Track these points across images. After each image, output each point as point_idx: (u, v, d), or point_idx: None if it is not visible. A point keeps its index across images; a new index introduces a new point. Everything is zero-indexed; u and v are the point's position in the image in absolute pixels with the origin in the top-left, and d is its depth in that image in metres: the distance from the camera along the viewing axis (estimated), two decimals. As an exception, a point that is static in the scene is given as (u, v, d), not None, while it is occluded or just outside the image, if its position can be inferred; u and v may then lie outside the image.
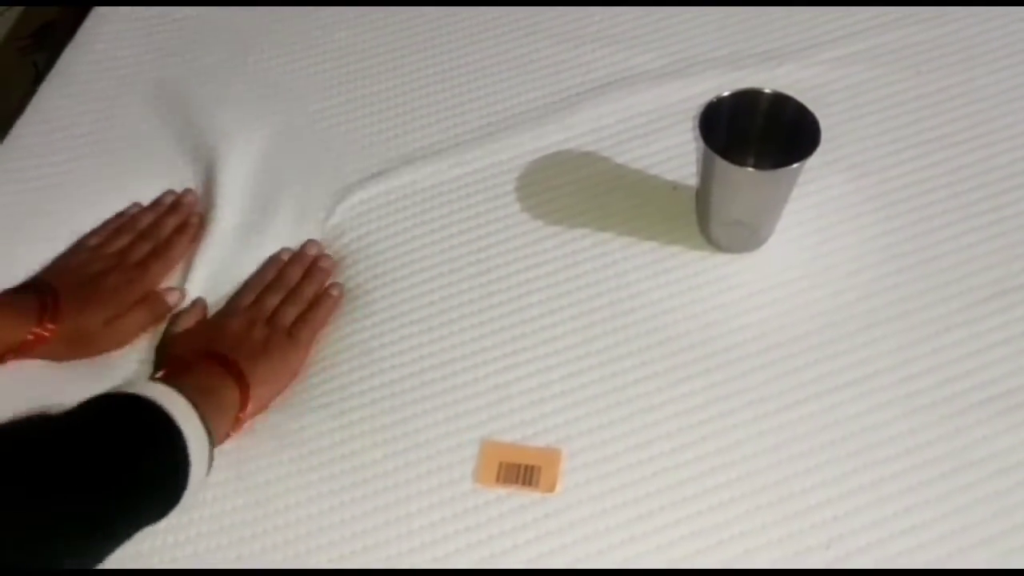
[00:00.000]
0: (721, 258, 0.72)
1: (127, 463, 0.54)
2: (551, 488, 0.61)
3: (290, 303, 0.70)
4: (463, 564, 0.59)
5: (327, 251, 0.75)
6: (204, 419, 0.58)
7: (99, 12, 0.92)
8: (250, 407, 0.63)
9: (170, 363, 0.66)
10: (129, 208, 0.77)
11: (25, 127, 0.83)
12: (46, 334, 0.65)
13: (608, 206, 0.76)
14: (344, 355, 0.69)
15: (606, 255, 0.73)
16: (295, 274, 0.72)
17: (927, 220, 0.74)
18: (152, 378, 0.63)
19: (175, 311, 0.71)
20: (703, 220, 0.73)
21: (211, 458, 0.59)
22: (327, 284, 0.72)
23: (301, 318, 0.69)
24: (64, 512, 0.51)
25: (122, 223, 0.76)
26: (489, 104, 0.83)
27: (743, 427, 0.64)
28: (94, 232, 0.75)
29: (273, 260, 0.74)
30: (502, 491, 0.61)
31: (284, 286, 0.71)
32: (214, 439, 0.59)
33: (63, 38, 0.92)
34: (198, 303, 0.72)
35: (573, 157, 0.79)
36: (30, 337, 0.65)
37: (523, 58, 0.86)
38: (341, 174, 0.79)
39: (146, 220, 0.75)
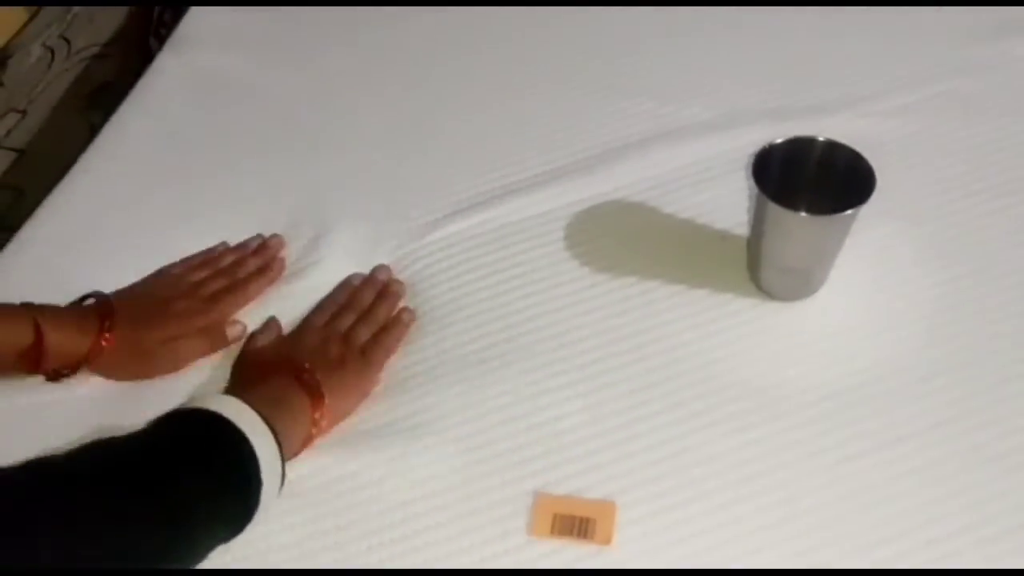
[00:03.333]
0: (773, 306, 0.72)
1: (201, 482, 0.54)
2: (607, 540, 0.60)
3: (363, 323, 0.71)
4: (518, 618, 0.58)
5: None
6: (276, 433, 0.58)
7: (155, 68, 0.95)
8: (327, 421, 0.64)
9: (244, 374, 0.67)
10: (217, 246, 0.79)
11: (75, 179, 0.85)
12: (103, 343, 0.67)
13: (656, 255, 0.75)
14: (395, 402, 0.68)
15: (654, 303, 0.73)
16: (368, 297, 0.73)
17: (984, 269, 0.72)
18: (225, 390, 0.65)
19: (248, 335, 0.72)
20: (754, 268, 0.72)
21: (283, 474, 0.59)
22: (398, 308, 0.73)
23: (374, 339, 0.70)
24: (139, 530, 0.51)
25: (205, 259, 0.77)
26: (539, 155, 0.84)
27: (803, 479, 0.62)
28: (176, 263, 0.77)
29: (345, 284, 0.75)
30: (557, 543, 0.60)
31: (358, 307, 0.72)
32: (285, 455, 0.59)
33: (118, 99, 0.95)
34: (272, 322, 0.73)
35: (621, 207, 0.79)
36: (90, 348, 0.67)
37: (573, 111, 0.87)
38: (390, 224, 0.80)
39: (229, 259, 0.77)
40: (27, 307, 0.66)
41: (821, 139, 0.69)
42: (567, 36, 0.94)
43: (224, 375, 0.70)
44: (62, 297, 0.72)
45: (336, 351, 0.68)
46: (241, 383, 0.66)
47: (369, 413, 0.68)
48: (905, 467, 0.62)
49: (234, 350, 0.72)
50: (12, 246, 0.80)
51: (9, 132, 1.18)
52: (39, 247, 0.80)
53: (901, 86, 0.85)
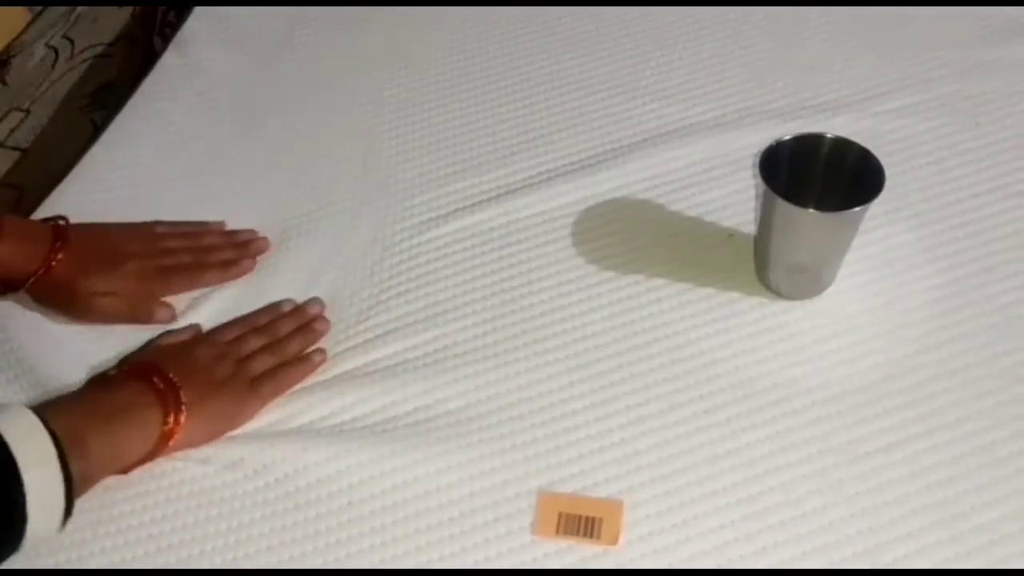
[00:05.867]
0: (781, 305, 0.71)
1: None
2: (614, 540, 0.59)
3: (268, 352, 0.68)
4: (523, 619, 0.57)
5: (328, 315, 0.72)
6: (76, 457, 0.54)
7: (159, 68, 0.94)
8: (178, 438, 0.62)
9: (124, 365, 0.66)
10: (212, 223, 0.79)
11: (79, 176, 0.84)
12: (51, 266, 0.68)
13: (662, 253, 0.75)
14: (397, 397, 0.67)
15: (661, 301, 0.72)
16: (287, 327, 0.70)
17: (991, 269, 0.72)
18: (88, 381, 0.65)
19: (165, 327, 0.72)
20: (762, 266, 0.72)
21: (68, 507, 0.54)
22: (313, 347, 0.70)
23: (271, 372, 0.67)
24: None
25: (189, 231, 0.77)
26: (543, 153, 0.83)
27: (813, 478, 0.61)
28: (163, 223, 0.77)
29: (272, 307, 0.72)
30: (562, 543, 0.59)
31: (270, 334, 0.69)
32: (107, 470, 0.59)
33: (121, 98, 0.94)
34: (192, 327, 0.71)
35: (626, 205, 0.79)
36: (35, 268, 0.68)
37: (577, 110, 0.86)
38: (394, 219, 0.79)
39: (209, 240, 0.76)
40: None
41: (830, 136, 0.68)
42: (574, 36, 0.93)
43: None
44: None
45: (223, 373, 0.65)
46: (105, 375, 0.65)
47: (370, 408, 0.67)
48: (915, 467, 0.62)
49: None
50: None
51: (12, 131, 1.18)
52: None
53: (908, 86, 0.84)
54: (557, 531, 0.59)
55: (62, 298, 0.70)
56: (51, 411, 0.56)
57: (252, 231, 0.78)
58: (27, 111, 1.20)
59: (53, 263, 0.68)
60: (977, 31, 0.88)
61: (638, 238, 0.76)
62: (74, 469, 0.54)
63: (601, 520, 0.59)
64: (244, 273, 0.75)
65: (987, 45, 0.87)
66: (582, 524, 0.59)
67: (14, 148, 1.17)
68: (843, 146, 0.68)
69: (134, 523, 0.62)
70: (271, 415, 0.67)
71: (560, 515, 0.60)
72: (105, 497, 0.62)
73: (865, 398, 0.65)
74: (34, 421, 0.54)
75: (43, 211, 0.81)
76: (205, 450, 0.64)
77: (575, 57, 0.91)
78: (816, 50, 0.89)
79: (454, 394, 0.67)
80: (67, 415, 0.57)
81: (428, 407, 0.67)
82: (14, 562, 0.58)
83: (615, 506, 0.60)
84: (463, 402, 0.67)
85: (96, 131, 0.93)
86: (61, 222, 0.72)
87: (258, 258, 0.77)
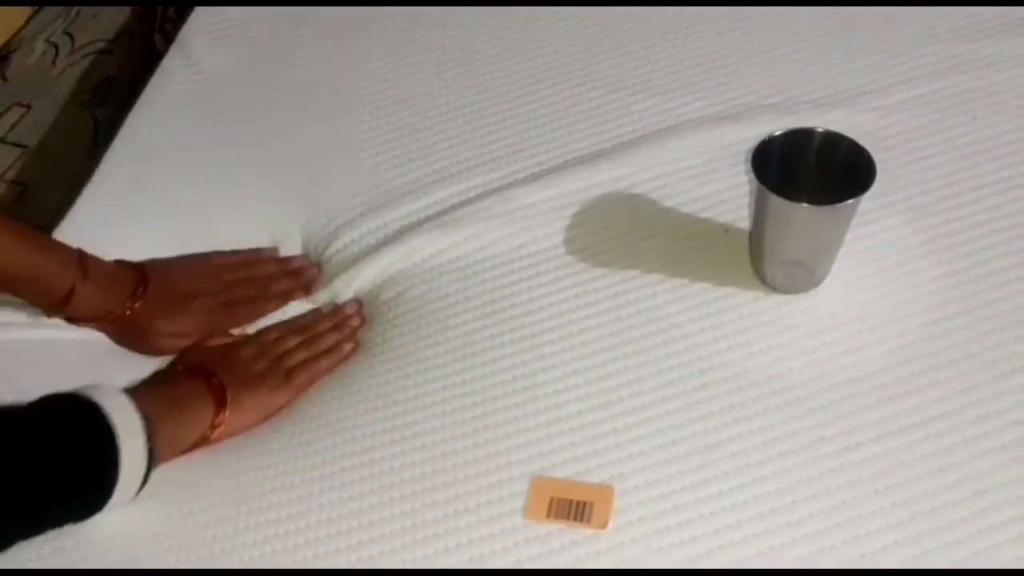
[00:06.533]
0: (776, 299, 0.71)
1: (56, 465, 0.56)
2: (603, 524, 0.59)
3: (303, 347, 0.72)
4: (513, 602, 0.57)
5: (364, 310, 0.76)
6: (154, 436, 0.59)
7: (162, 71, 0.94)
8: (221, 430, 0.66)
9: (179, 361, 0.72)
10: (266, 249, 0.81)
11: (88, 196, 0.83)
12: (125, 313, 0.71)
13: (659, 247, 0.75)
14: (395, 387, 0.68)
15: (657, 295, 0.72)
16: (323, 325, 0.75)
17: (986, 263, 0.72)
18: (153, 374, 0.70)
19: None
20: (757, 260, 0.72)
21: (146, 477, 0.60)
22: (345, 337, 0.74)
23: (305, 364, 0.71)
24: None
25: (247, 259, 0.79)
26: (542, 149, 0.83)
27: (803, 468, 0.61)
28: (219, 254, 0.79)
29: (312, 311, 0.77)
30: (553, 527, 0.59)
31: (308, 332, 0.74)
32: (165, 455, 0.62)
33: (122, 94, 0.95)
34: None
35: (623, 199, 0.79)
36: (110, 311, 0.70)
37: (574, 106, 0.87)
38: (397, 215, 0.80)
39: (266, 269, 0.79)
40: (79, 257, 0.69)
41: (820, 130, 0.68)
42: (570, 33, 0.93)
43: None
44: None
45: (261, 367, 0.70)
46: (164, 372, 0.71)
47: (368, 397, 0.67)
48: (907, 458, 0.62)
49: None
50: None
51: (13, 126, 1.18)
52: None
53: (905, 81, 0.85)
54: (548, 515, 0.60)
55: (132, 336, 0.73)
56: (133, 395, 0.61)
57: (304, 256, 0.80)
58: (28, 106, 1.20)
59: (129, 311, 0.71)
60: (973, 27, 0.89)
61: (634, 232, 0.76)
62: (154, 445, 0.59)
63: (592, 504, 0.60)
64: (298, 299, 0.78)
65: (983, 40, 0.87)
66: (573, 508, 0.60)
67: (15, 144, 1.18)
68: (834, 140, 0.68)
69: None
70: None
71: (552, 499, 0.60)
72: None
73: (859, 389, 0.65)
74: (126, 400, 0.60)
75: (64, 230, 0.78)
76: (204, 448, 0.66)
77: (572, 53, 0.91)
78: (813, 46, 0.89)
79: (453, 381, 0.68)
80: (144, 400, 0.60)
81: (426, 394, 0.67)
82: (14, 562, 0.58)
83: (606, 491, 0.60)
84: (461, 389, 0.67)
85: (97, 127, 0.92)
86: (132, 270, 0.73)
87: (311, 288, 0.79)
